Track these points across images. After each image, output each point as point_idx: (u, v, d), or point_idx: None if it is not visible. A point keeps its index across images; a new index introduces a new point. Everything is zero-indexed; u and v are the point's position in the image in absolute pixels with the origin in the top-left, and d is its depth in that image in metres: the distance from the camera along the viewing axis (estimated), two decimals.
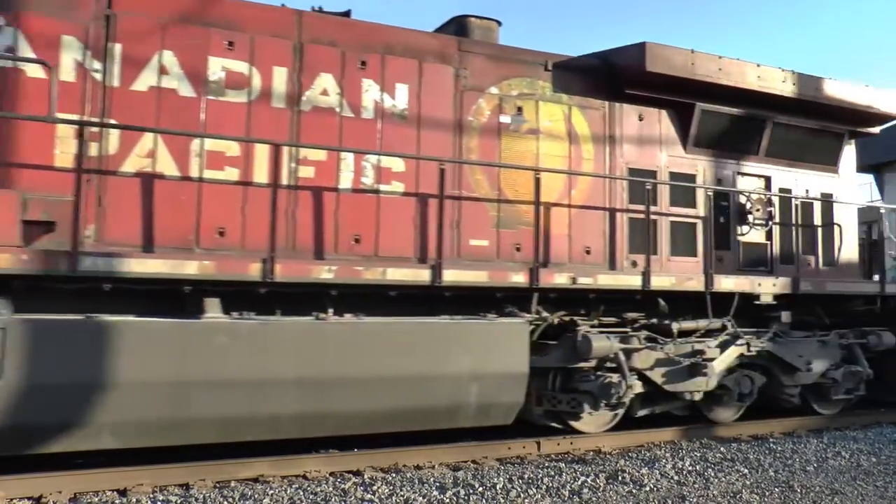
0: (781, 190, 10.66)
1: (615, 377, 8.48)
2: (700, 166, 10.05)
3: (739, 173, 10.43)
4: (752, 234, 10.30)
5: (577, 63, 9.44)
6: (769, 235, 10.44)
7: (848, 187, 11.54)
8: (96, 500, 6.24)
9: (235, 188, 7.52)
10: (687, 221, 9.81)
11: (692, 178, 9.95)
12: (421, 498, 6.43)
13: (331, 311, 7.36)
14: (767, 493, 6.86)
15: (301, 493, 6.46)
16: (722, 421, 9.73)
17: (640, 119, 9.73)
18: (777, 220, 10.41)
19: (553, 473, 7.29)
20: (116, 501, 6.22)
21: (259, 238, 7.26)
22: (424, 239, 8.22)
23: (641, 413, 9.12)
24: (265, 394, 6.90)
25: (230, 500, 6.26)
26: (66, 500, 6.22)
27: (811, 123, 10.81)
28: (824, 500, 6.68)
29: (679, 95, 9.71)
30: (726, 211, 10.18)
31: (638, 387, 8.87)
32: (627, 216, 9.43)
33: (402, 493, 6.51)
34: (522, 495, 6.63)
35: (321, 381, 7.12)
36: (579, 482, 7.02)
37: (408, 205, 8.26)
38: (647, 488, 6.94)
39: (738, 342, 9.52)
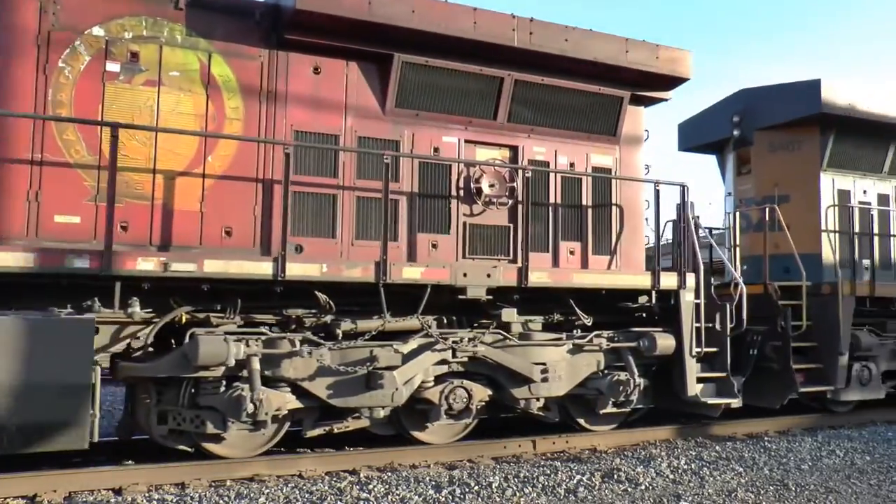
0: (533, 163, 8.86)
1: (246, 389, 7.03)
2: (406, 132, 8.28)
3: (470, 141, 8.60)
4: (488, 216, 8.56)
5: (222, 1, 7.76)
6: (513, 217, 8.69)
7: (635, 162, 9.62)
8: (91, 499, 6.23)
9: None
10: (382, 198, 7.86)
11: (394, 144, 8.23)
12: (417, 497, 6.43)
13: None
14: (762, 492, 6.88)
15: (297, 491, 6.46)
16: (436, 444, 8.12)
17: (317, 72, 7.99)
18: (522, 198, 8.60)
19: (549, 472, 7.30)
20: (111, 500, 6.20)
21: None
22: None
23: (313, 433, 7.64)
24: None
25: (226, 499, 6.25)
26: (61, 499, 6.21)
27: (573, 84, 8.94)
28: (819, 499, 6.70)
29: (367, 44, 8.01)
30: (446, 187, 8.43)
31: (290, 401, 7.35)
32: (294, 191, 7.62)
33: (397, 492, 6.51)
34: (518, 494, 6.64)
35: None
36: (575, 481, 7.04)
37: None
38: (643, 487, 6.96)
39: (438, 347, 7.88)
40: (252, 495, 6.32)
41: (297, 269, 7.21)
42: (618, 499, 6.60)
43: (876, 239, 11.50)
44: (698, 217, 9.74)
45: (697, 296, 9.15)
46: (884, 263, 11.64)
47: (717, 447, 8.67)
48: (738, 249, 11.18)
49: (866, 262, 11.32)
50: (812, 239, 11.00)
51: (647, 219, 9.61)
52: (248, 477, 6.99)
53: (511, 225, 8.64)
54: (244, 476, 7.00)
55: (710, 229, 12.06)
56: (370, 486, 6.64)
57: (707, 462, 7.94)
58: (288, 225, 7.32)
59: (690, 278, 9.11)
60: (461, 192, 8.48)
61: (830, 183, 11.40)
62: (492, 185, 8.49)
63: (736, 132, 12.12)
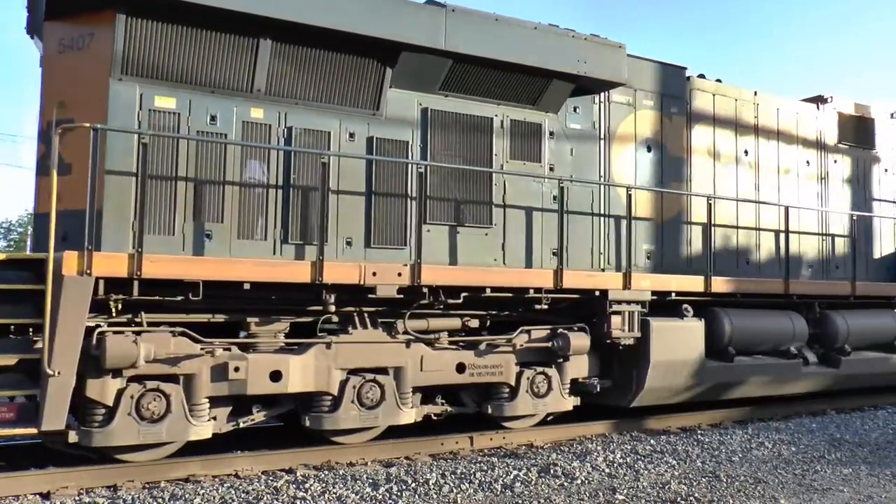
0: None
1: None
2: None
3: None
4: None
5: None
6: None
7: None
8: None
9: None
10: None
11: None
12: (354, 495, 6.41)
13: None
14: (695, 484, 7.05)
15: (233, 491, 6.39)
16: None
17: None
18: None
19: (486, 468, 7.35)
20: None
21: None
22: None
23: None
24: None
25: (160, 500, 6.15)
26: None
27: None
28: (748, 489, 6.90)
29: None
30: None
31: None
32: None
33: (334, 490, 6.49)
34: (455, 490, 6.68)
35: None
36: (512, 476, 7.10)
37: None
38: (579, 481, 7.06)
39: None
40: (187, 496, 6.23)
41: None
42: (554, 493, 6.69)
43: (235, 189, 7.53)
44: None
45: None
46: (250, 227, 7.59)
47: (652, 441, 8.84)
48: None
49: (263, 226, 7.66)
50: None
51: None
52: (183, 478, 6.89)
53: None
54: (179, 477, 6.90)
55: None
56: (307, 485, 6.60)
57: (642, 455, 8.10)
58: None
59: None
60: None
61: (135, 100, 7.20)
62: None
63: (26, 23, 7.89)
